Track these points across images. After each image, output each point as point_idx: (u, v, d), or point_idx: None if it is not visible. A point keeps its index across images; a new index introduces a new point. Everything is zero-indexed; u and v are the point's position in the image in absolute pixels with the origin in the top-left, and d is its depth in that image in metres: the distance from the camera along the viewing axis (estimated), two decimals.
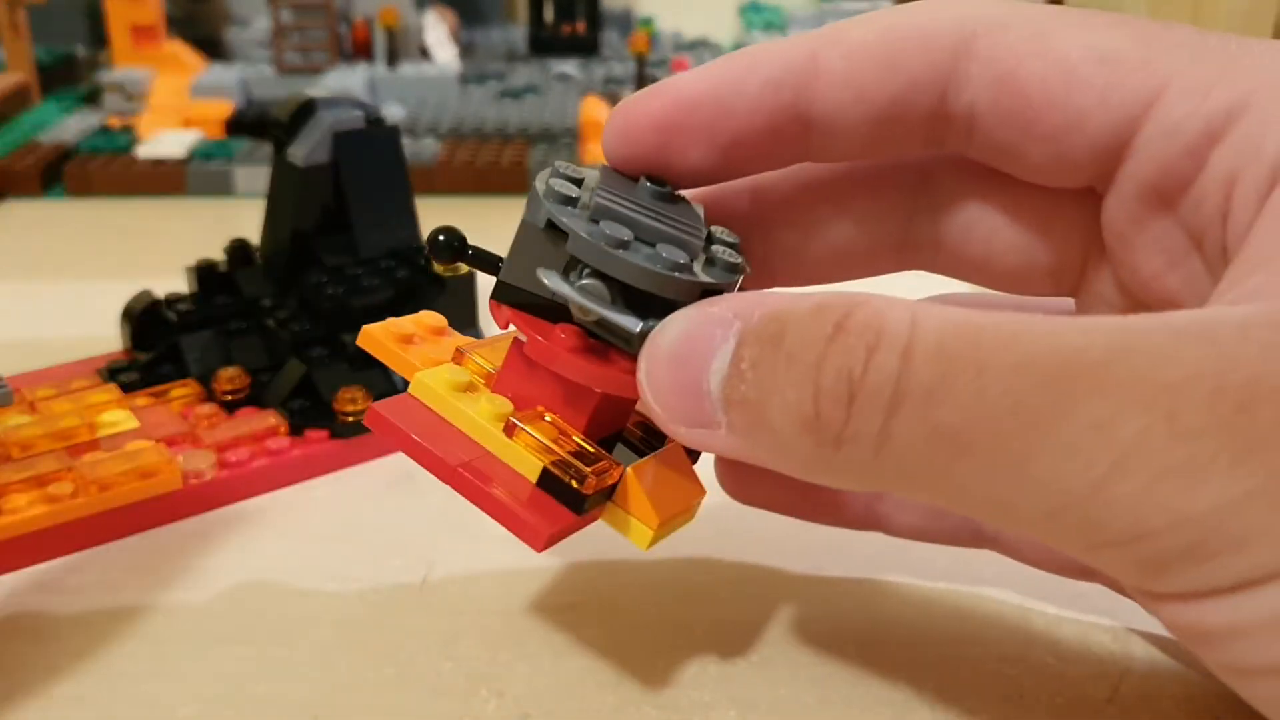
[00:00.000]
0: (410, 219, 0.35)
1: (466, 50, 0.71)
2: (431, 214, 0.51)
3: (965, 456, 0.15)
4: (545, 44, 0.71)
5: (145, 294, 0.35)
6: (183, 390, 0.32)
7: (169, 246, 0.47)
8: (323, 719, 0.22)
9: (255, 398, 0.32)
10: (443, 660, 0.24)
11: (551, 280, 0.18)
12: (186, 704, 0.23)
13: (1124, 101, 0.18)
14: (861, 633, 0.25)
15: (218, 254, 0.36)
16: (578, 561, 0.27)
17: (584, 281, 0.19)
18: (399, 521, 0.29)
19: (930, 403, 0.15)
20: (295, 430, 0.31)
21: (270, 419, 0.31)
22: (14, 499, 0.27)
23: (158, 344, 0.34)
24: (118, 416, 0.30)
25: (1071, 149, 0.19)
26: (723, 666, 0.24)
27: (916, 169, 0.22)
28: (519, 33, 0.75)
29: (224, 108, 0.57)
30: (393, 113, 0.57)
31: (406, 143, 0.54)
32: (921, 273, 0.23)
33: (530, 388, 0.20)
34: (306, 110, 0.33)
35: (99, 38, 0.68)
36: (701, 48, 0.74)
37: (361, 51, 0.63)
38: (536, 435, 0.19)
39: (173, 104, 0.58)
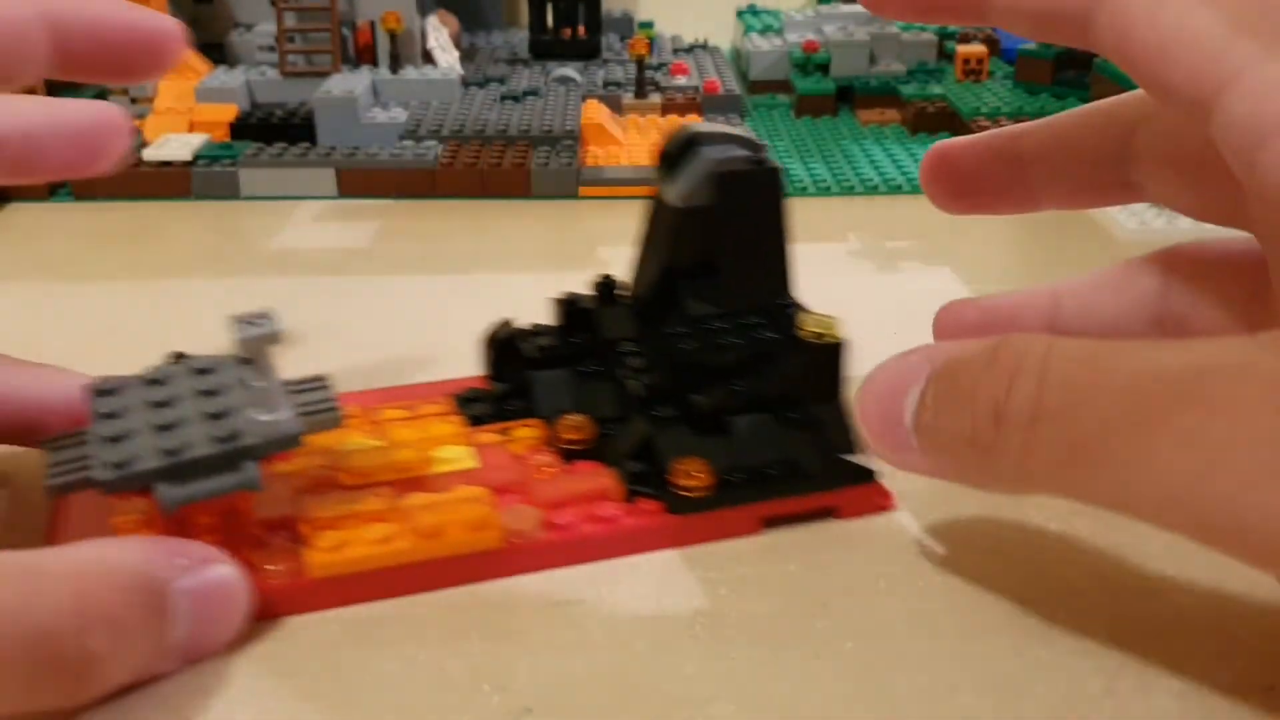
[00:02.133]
0: (783, 271, 0.31)
1: (468, 54, 0.72)
2: (434, 216, 0.51)
3: (1089, 461, 0.18)
4: (546, 48, 0.71)
5: (508, 323, 0.33)
6: (527, 432, 0.31)
7: (175, 249, 0.47)
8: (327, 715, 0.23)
9: (598, 450, 0.30)
10: (446, 656, 0.24)
11: None
12: None
13: (1203, 85, 0.20)
14: (859, 629, 0.25)
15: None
16: (579, 559, 0.27)
17: None
18: None
19: (1058, 419, 0.19)
20: (629, 496, 0.28)
21: (605, 480, 0.28)
22: (330, 535, 0.26)
23: (512, 376, 0.32)
24: (457, 454, 0.29)
25: (1171, 105, 0.22)
26: (723, 662, 0.24)
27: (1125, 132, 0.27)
28: (520, 37, 0.76)
29: (229, 111, 0.58)
30: (395, 115, 0.58)
31: (408, 145, 0.55)
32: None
33: None
34: (690, 144, 0.30)
35: None
36: (700, 51, 0.74)
37: (365, 55, 0.63)
38: None
39: (178, 107, 0.58)
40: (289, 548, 0.26)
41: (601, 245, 0.48)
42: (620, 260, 0.47)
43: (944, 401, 0.21)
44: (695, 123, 0.30)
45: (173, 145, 0.54)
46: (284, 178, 0.53)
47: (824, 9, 0.73)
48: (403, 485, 0.28)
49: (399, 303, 0.43)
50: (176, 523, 0.25)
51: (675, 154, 0.30)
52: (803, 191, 0.54)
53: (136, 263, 0.46)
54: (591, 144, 0.57)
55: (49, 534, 0.27)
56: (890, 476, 0.29)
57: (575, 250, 0.48)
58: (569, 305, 0.33)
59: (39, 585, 0.20)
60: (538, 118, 0.58)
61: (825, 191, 0.54)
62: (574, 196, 0.53)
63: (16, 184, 0.30)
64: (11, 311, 0.41)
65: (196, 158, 0.54)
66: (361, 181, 0.53)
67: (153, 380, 0.27)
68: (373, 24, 0.63)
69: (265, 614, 0.25)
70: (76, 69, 0.27)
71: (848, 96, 0.66)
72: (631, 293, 0.33)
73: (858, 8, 0.72)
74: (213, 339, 0.39)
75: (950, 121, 0.61)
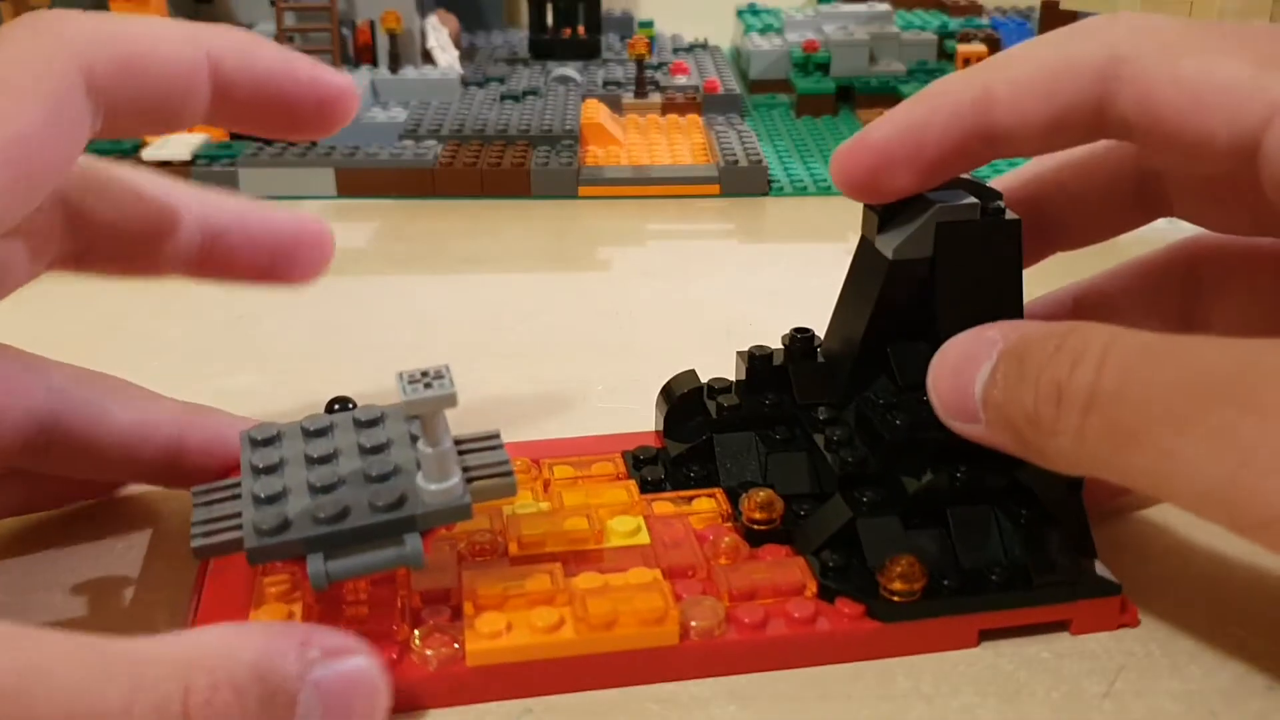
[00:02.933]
0: None
1: (468, 54, 0.72)
2: (434, 216, 0.51)
3: (1135, 446, 0.19)
4: (546, 47, 0.71)
5: (690, 375, 0.30)
6: (707, 504, 0.28)
7: None
8: None
9: (786, 532, 0.26)
10: None
11: None
12: None
13: (1244, 123, 0.21)
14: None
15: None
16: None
17: None
18: None
19: (1112, 405, 0.20)
20: (825, 593, 0.25)
21: (797, 571, 0.25)
22: (491, 618, 0.23)
23: (689, 435, 0.29)
24: (629, 526, 0.26)
25: (1208, 155, 0.22)
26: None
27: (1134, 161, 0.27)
28: (520, 36, 0.76)
29: None
30: (394, 115, 0.58)
31: (407, 145, 0.55)
32: None
33: None
34: None
35: None
36: (700, 50, 0.74)
37: (364, 55, 0.63)
38: None
39: None
40: (445, 626, 0.23)
41: (601, 245, 0.48)
42: (621, 261, 0.48)
43: (1012, 379, 0.22)
44: None
45: (172, 145, 0.54)
46: (283, 177, 0.53)
47: (824, 8, 0.73)
48: (571, 559, 0.25)
49: (399, 303, 0.43)
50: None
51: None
52: (803, 191, 0.54)
53: None
54: (591, 144, 0.57)
55: (196, 587, 0.25)
56: (1130, 592, 0.25)
57: (575, 250, 0.48)
58: (757, 360, 0.29)
59: (144, 678, 0.18)
60: (537, 117, 0.58)
61: (825, 191, 0.54)
62: (574, 196, 0.53)
63: (203, 280, 0.29)
64: (11, 312, 0.41)
65: (196, 157, 0.54)
66: (361, 181, 0.53)
67: (312, 431, 0.25)
68: (372, 24, 0.63)
69: (413, 705, 0.23)
70: (237, 119, 0.26)
71: (848, 96, 0.66)
72: (824, 349, 0.29)
73: (858, 7, 0.72)
74: (212, 339, 0.39)
75: None
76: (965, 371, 0.23)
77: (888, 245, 0.26)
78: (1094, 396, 0.20)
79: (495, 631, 0.23)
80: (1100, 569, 0.25)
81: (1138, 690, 0.23)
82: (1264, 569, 0.27)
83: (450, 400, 0.22)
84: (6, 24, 0.23)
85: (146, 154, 0.53)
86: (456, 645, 0.23)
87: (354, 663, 0.21)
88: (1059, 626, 0.25)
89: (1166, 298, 0.28)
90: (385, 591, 0.24)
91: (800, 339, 0.29)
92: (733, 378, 0.30)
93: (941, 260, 0.25)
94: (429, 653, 0.23)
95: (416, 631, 0.23)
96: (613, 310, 0.42)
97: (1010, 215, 0.25)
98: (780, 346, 0.29)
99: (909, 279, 0.26)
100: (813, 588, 0.25)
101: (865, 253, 0.27)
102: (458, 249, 0.48)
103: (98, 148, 0.54)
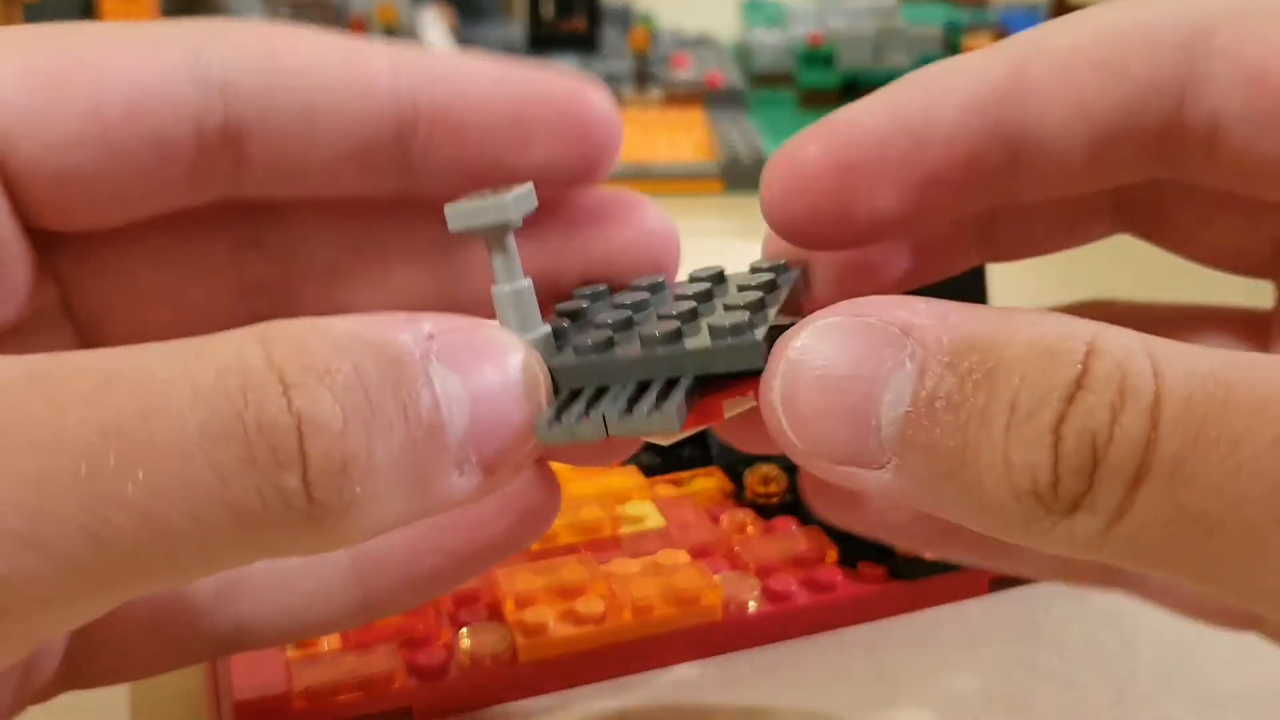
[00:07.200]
0: (979, 296, 0.26)
1: (465, 46, 0.71)
2: None
3: (1212, 537, 0.13)
4: (544, 40, 0.71)
5: None
6: (707, 483, 0.28)
7: None
8: None
9: (792, 504, 0.27)
10: None
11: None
12: None
13: None
14: (866, 636, 0.25)
15: None
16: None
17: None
18: None
19: (1177, 478, 0.13)
20: (846, 559, 0.26)
21: (815, 540, 0.26)
22: (538, 612, 0.23)
23: None
24: (642, 511, 0.26)
25: None
26: (725, 669, 0.24)
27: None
28: (517, 29, 0.75)
29: None
30: None
31: None
32: None
33: None
34: None
35: None
36: (701, 45, 0.74)
37: None
38: None
39: None
40: (492, 626, 0.23)
41: None
42: None
43: (976, 417, 0.13)
44: None
45: None
46: None
47: (828, 1, 0.73)
48: (592, 548, 0.25)
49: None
50: None
51: None
52: None
53: None
54: None
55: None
56: None
57: None
58: None
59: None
60: None
61: None
62: None
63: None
64: None
65: None
66: None
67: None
68: (367, 17, 0.63)
69: (467, 705, 0.22)
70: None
71: (853, 90, 0.65)
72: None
73: (862, 1, 0.72)
74: None
75: None
76: (853, 388, 0.14)
77: None
78: (1149, 464, 0.13)
79: (542, 625, 0.23)
80: None
81: (1147, 696, 0.23)
82: None
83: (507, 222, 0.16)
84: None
85: None
86: (507, 642, 0.23)
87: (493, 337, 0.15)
88: None
89: (1165, 88, 0.17)
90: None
91: None
92: None
93: None
94: (481, 652, 0.22)
95: (463, 631, 0.23)
96: None
97: None
98: None
99: None
100: (833, 555, 0.26)
101: None
102: None
103: None
